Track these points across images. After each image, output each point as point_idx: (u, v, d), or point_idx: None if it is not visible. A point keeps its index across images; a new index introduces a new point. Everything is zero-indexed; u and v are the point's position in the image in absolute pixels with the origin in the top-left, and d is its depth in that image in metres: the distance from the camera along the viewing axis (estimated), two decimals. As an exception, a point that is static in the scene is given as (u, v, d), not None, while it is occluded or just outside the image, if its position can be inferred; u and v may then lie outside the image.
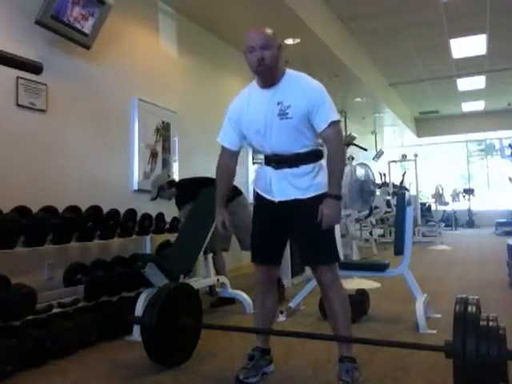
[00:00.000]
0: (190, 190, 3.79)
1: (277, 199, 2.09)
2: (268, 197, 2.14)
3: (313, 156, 2.09)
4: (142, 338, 2.30)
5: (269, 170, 2.12)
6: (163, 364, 2.33)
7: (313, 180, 2.06)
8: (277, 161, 2.08)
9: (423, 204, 11.56)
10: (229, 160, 2.22)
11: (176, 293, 2.44)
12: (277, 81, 2.03)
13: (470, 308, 1.73)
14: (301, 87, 2.02)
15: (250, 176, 6.18)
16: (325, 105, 1.99)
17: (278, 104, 2.00)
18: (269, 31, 2.03)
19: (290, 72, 2.08)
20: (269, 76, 2.03)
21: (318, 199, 2.02)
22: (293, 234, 2.19)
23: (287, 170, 2.07)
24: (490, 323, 1.67)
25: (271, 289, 2.25)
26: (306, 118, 2.00)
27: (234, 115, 2.16)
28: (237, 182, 4.84)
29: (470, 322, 1.67)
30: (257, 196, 2.24)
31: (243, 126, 2.13)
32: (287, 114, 1.99)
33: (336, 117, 2.02)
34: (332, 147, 2.02)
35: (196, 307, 2.53)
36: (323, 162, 2.10)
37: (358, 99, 9.27)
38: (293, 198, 2.07)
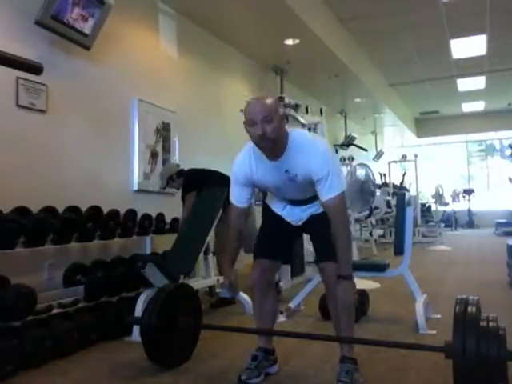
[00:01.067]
0: (197, 179, 3.86)
1: (294, 224, 2.20)
2: (286, 219, 2.22)
3: None
4: (141, 338, 2.29)
5: (284, 200, 2.21)
6: (162, 365, 2.32)
7: None
8: (291, 202, 2.18)
9: (423, 204, 11.56)
10: (241, 220, 2.19)
11: (175, 293, 2.43)
12: (281, 153, 1.96)
13: (469, 308, 1.72)
14: (305, 160, 1.94)
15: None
16: (327, 179, 1.93)
17: (286, 171, 1.98)
18: (269, 101, 1.92)
19: (293, 138, 1.97)
20: (272, 149, 1.94)
21: None
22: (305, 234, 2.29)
23: (302, 207, 2.17)
24: (490, 324, 1.67)
25: (269, 289, 2.23)
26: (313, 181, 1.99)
27: (242, 179, 2.10)
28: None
29: (470, 323, 1.67)
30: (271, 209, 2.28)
31: (254, 183, 2.12)
32: (296, 180, 2.00)
33: (338, 190, 1.95)
34: (334, 220, 1.96)
35: (195, 308, 2.52)
36: None
37: (358, 99, 9.28)
38: (309, 217, 2.17)
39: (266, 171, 2.03)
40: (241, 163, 2.08)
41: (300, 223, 2.20)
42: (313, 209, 2.16)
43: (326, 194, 1.95)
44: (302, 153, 1.95)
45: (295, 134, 2.01)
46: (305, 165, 1.94)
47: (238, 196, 2.16)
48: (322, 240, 2.11)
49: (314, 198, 2.09)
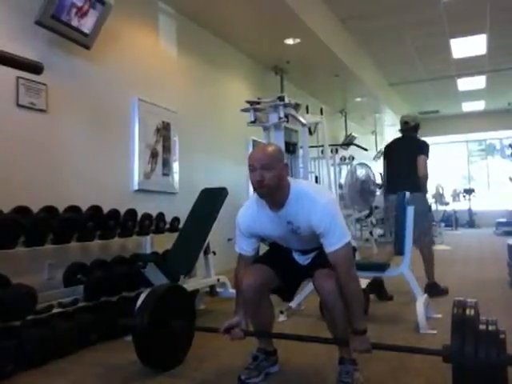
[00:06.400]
0: None
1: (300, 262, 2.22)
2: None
3: None
4: (133, 342, 2.25)
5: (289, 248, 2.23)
6: (155, 368, 2.29)
7: None
8: (298, 251, 2.20)
9: (423, 204, 11.52)
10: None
11: (167, 295, 2.39)
12: (282, 203, 1.97)
13: (467, 311, 1.71)
14: (306, 213, 1.94)
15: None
16: (329, 232, 1.93)
17: (289, 223, 1.99)
18: (271, 150, 1.96)
19: (295, 190, 1.98)
20: (270, 197, 1.97)
21: None
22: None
23: (309, 254, 2.19)
24: (490, 327, 1.64)
25: (262, 293, 2.13)
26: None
27: (247, 232, 2.14)
28: (236, 183, 4.84)
29: (468, 327, 1.65)
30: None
31: (257, 234, 2.14)
32: (299, 232, 2.01)
33: (342, 241, 1.94)
34: (341, 271, 1.93)
35: (188, 309, 2.50)
36: None
37: (358, 99, 9.27)
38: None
39: (269, 221, 2.04)
40: (244, 214, 2.13)
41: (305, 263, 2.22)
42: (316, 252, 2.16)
43: (330, 246, 1.94)
44: (303, 206, 1.95)
45: (297, 186, 2.01)
46: (306, 218, 1.94)
47: (242, 245, 2.18)
48: (317, 264, 2.09)
49: (320, 247, 2.06)
